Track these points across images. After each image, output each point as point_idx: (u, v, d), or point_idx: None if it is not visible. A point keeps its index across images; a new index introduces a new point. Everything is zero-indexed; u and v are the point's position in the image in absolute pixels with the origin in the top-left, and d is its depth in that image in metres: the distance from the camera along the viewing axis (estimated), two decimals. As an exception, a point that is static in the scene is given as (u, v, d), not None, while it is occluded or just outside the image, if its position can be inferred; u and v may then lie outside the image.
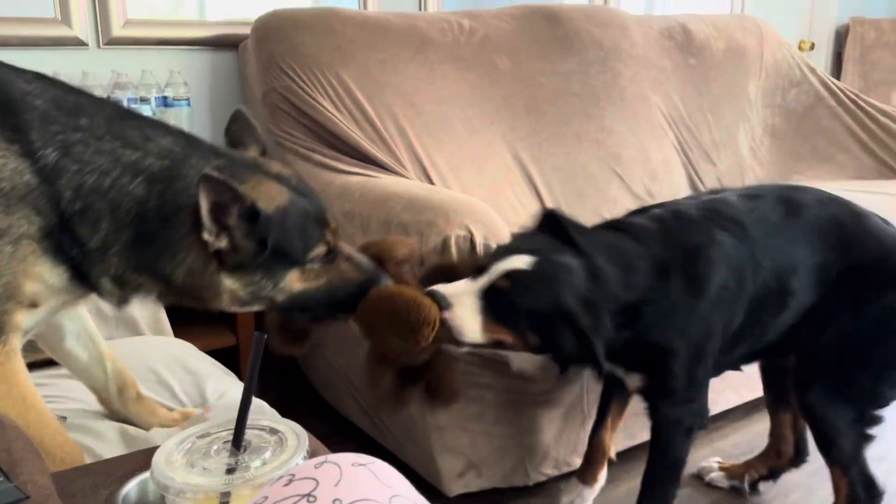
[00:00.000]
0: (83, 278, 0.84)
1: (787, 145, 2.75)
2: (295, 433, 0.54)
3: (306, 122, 1.86)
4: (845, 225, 1.33)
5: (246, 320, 1.95)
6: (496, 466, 1.57)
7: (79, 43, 1.91)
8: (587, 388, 1.61)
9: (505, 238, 1.48)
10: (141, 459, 0.71)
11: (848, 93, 2.77)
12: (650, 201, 2.40)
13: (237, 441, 0.52)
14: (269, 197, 0.85)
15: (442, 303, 1.05)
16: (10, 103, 0.79)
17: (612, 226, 1.30)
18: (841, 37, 3.78)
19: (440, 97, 2.08)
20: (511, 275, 1.11)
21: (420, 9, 2.44)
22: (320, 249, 0.89)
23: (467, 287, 1.11)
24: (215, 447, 0.53)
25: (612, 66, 2.42)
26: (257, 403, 1.03)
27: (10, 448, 0.58)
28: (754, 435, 1.86)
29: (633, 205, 2.37)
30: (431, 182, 1.97)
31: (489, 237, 1.44)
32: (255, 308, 0.90)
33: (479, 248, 1.42)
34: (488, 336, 1.12)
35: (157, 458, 0.51)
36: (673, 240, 1.24)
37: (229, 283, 0.85)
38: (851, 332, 1.32)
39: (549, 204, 2.21)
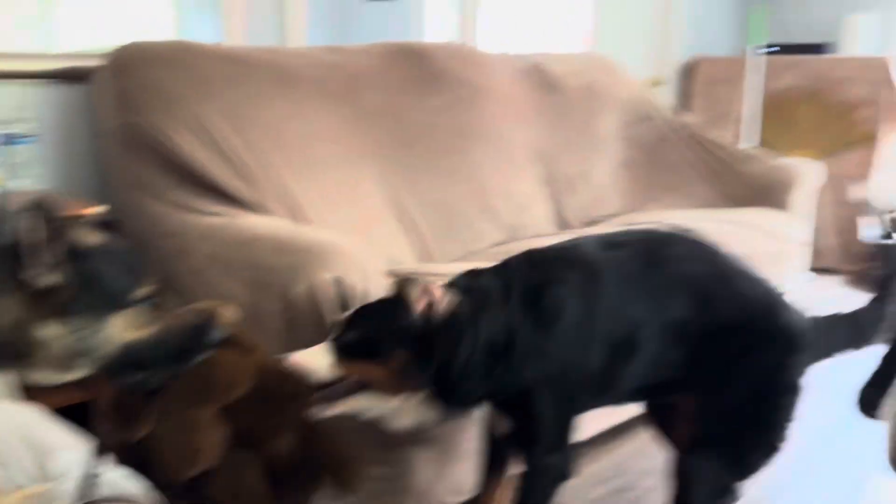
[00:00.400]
0: None
1: (641, 176, 2.93)
2: None
3: (164, 160, 1.78)
4: (708, 284, 1.31)
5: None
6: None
7: None
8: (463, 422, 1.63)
9: (377, 280, 1.48)
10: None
11: (690, 128, 3.00)
12: (518, 234, 2.49)
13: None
14: (89, 234, 0.86)
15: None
16: None
17: (475, 272, 1.34)
18: (687, 73, 4.09)
19: (308, 133, 2.06)
20: (352, 312, 1.18)
21: (282, 43, 2.41)
22: (146, 289, 0.88)
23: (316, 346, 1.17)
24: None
25: (478, 104, 2.49)
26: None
27: None
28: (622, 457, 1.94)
29: (501, 238, 2.44)
30: (303, 220, 1.94)
31: (361, 278, 1.43)
32: (81, 369, 0.85)
33: (353, 291, 1.41)
34: (345, 372, 1.17)
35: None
36: (529, 280, 1.27)
37: (50, 331, 0.81)
38: (718, 395, 1.31)
39: (421, 237, 2.24)
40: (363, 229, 2.06)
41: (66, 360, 0.83)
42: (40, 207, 0.79)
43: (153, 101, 1.81)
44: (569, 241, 1.41)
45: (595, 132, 2.88)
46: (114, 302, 0.84)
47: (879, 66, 3.63)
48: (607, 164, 2.89)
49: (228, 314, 0.97)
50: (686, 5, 3.94)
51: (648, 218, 2.50)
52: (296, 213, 1.91)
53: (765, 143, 3.75)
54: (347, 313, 1.22)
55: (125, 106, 1.81)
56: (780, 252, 2.52)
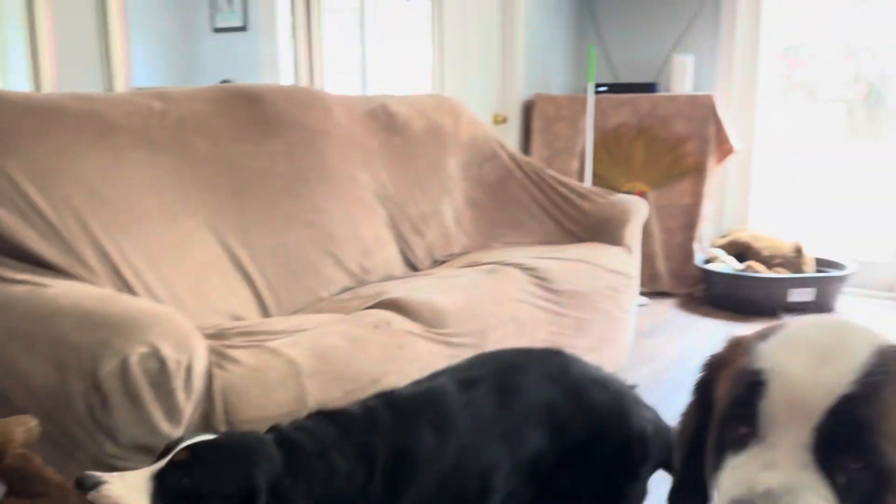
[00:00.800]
0: None
1: (487, 214, 2.99)
2: None
3: (-42, 223, 1.60)
4: (559, 407, 1.30)
5: None
6: None
7: None
8: None
9: (199, 350, 1.39)
10: None
11: (532, 165, 3.10)
12: (365, 278, 2.45)
13: None
14: None
15: (87, 483, 0.91)
16: None
17: (323, 413, 1.24)
18: (528, 111, 4.25)
19: (130, 184, 1.93)
20: (193, 447, 1.00)
21: (108, 89, 2.26)
22: None
23: (138, 470, 0.98)
24: None
25: (319, 147, 2.44)
26: None
27: None
28: None
29: (349, 283, 2.39)
30: (125, 280, 1.80)
31: (180, 351, 1.34)
32: None
33: (171, 365, 1.32)
34: None
35: None
36: (380, 435, 1.19)
37: None
38: None
39: (262, 288, 2.15)
40: (194, 286, 1.95)
41: None
42: None
43: (-58, 157, 1.62)
44: (428, 386, 1.33)
45: (440, 173, 2.91)
46: None
47: (706, 102, 3.93)
48: (453, 205, 2.92)
49: (19, 434, 0.84)
50: (525, 44, 4.11)
51: (493, 257, 2.54)
52: (116, 275, 1.78)
53: (600, 177, 3.96)
54: (184, 447, 1.02)
55: None
56: (617, 284, 2.64)
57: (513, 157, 3.12)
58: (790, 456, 0.63)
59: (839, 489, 0.61)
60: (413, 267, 2.68)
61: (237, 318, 2.01)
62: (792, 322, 0.71)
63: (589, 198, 2.95)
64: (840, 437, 0.61)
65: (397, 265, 2.63)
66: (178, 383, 1.32)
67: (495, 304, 2.15)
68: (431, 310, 1.98)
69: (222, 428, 1.40)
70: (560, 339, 2.36)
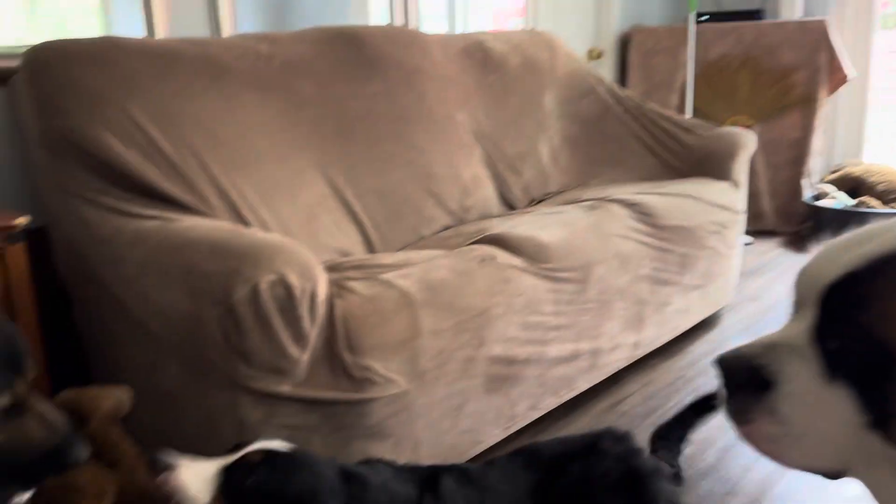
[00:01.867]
0: None
1: (584, 152, 2.94)
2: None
3: (91, 163, 1.71)
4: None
5: None
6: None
7: None
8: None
9: (321, 279, 1.45)
10: None
11: (632, 100, 3.01)
12: (464, 217, 2.48)
13: None
14: None
15: (159, 464, 0.93)
16: None
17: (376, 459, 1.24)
18: (624, 44, 4.11)
19: (243, 126, 2.00)
20: (267, 451, 1.00)
21: (214, 33, 2.33)
22: (2, 400, 0.74)
23: (209, 461, 0.99)
24: None
25: (417, 87, 2.45)
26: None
27: None
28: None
29: (448, 221, 2.42)
30: (241, 216, 1.88)
31: (304, 279, 1.40)
32: None
33: (297, 292, 1.38)
34: None
35: None
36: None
37: None
38: None
39: (368, 226, 2.20)
40: (305, 223, 2.02)
41: None
42: None
43: (75, 103, 1.72)
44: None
45: (537, 110, 2.87)
46: None
47: (817, 28, 3.69)
48: (549, 142, 2.89)
49: (108, 405, 0.88)
50: (622, -24, 3.95)
51: (593, 194, 2.51)
52: (234, 211, 1.86)
53: (701, 111, 3.80)
54: (258, 448, 1.03)
55: (46, 109, 1.73)
56: (724, 220, 2.57)
57: (611, 92, 3.03)
58: (794, 326, 0.64)
59: (830, 355, 0.61)
60: (510, 205, 2.68)
61: (344, 255, 2.07)
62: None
63: (693, 131, 2.85)
64: (836, 307, 0.61)
65: (494, 204, 2.63)
66: (304, 310, 1.39)
67: (598, 240, 2.13)
68: (534, 245, 1.98)
69: (346, 355, 1.47)
70: (664, 275, 2.32)
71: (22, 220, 1.62)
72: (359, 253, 2.14)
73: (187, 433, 1.53)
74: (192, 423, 1.51)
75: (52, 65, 1.75)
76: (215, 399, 1.44)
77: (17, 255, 1.60)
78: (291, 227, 1.98)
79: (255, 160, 1.98)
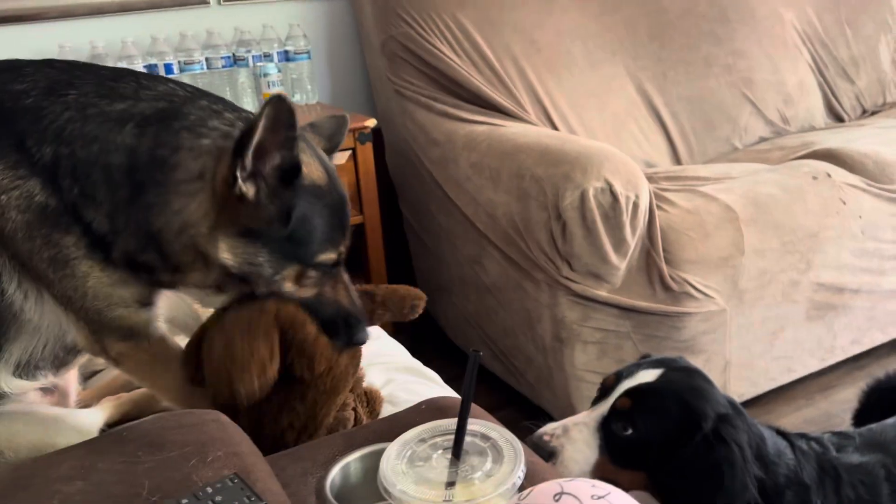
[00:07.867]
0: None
1: (938, 55, 2.50)
2: (509, 442, 0.55)
3: (426, 70, 1.84)
4: None
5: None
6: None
7: (201, 1, 1.94)
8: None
9: (644, 189, 1.44)
10: (339, 444, 0.75)
11: None
12: (783, 128, 2.27)
13: (457, 451, 0.54)
14: (310, 169, 0.74)
15: (542, 451, 0.88)
16: (7, 119, 0.70)
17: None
18: None
19: (560, 30, 2.00)
20: (633, 394, 0.90)
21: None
22: (330, 255, 0.76)
23: (580, 422, 0.92)
24: (435, 455, 0.55)
25: (741, -19, 2.24)
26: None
27: (238, 452, 0.62)
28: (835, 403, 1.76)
29: (766, 132, 2.24)
30: (552, 122, 1.92)
31: (628, 187, 1.40)
32: (226, 293, 0.77)
33: (622, 200, 1.39)
34: (603, 475, 0.89)
35: (384, 467, 0.54)
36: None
37: (225, 245, 0.71)
38: None
39: (676, 136, 2.12)
40: (612, 133, 2.00)
41: (224, 276, 0.74)
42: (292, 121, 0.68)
43: (413, 12, 1.85)
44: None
45: (879, 6, 2.48)
46: (297, 254, 0.74)
47: None
48: (892, 44, 2.49)
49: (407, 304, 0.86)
50: None
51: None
52: (546, 118, 1.90)
53: None
54: (624, 394, 0.91)
55: (385, 18, 1.88)
56: None
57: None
58: None
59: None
60: (837, 117, 2.39)
61: (650, 166, 2.02)
62: None
63: None
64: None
65: (820, 115, 2.37)
66: (626, 218, 1.40)
67: (958, 160, 1.83)
68: (877, 162, 1.77)
69: (664, 267, 1.46)
70: None
71: (371, 122, 1.81)
72: (665, 164, 2.08)
73: (507, 324, 1.65)
74: (512, 315, 1.62)
75: (393, -24, 1.89)
76: (536, 296, 1.53)
77: (367, 154, 1.80)
78: (599, 135, 1.97)
79: (568, 66, 1.99)
